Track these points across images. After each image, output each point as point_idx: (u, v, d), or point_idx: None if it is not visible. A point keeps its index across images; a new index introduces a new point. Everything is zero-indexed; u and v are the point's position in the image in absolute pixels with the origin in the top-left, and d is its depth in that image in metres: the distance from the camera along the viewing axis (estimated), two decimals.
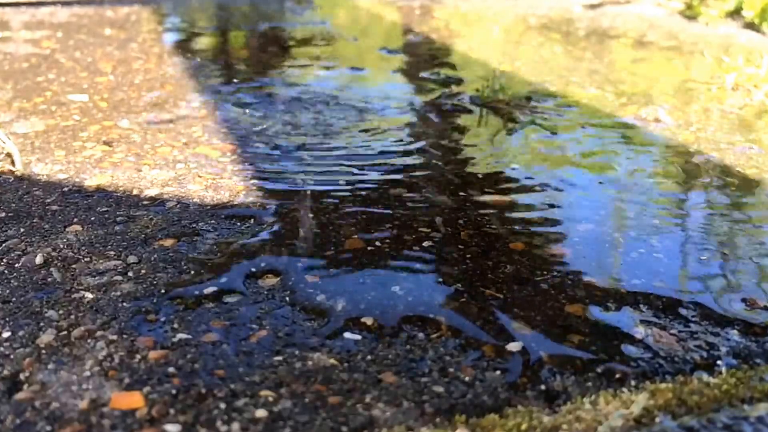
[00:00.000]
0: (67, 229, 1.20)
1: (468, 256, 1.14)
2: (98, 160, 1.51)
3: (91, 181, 1.40)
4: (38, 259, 1.09)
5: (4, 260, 1.09)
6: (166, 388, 0.81)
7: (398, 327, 0.94)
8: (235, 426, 0.75)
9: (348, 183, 1.42)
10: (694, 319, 0.98)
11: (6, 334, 0.90)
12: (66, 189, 1.36)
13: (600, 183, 1.47)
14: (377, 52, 2.79)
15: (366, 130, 1.77)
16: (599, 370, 0.86)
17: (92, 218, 1.24)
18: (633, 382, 0.84)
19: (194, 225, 1.22)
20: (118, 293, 1.00)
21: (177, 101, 1.97)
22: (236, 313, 0.96)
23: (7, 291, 1.01)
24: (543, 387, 0.83)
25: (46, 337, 0.90)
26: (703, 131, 1.82)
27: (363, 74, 2.37)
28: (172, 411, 0.77)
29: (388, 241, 1.18)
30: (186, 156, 1.55)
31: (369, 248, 1.15)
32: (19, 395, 0.79)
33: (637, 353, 0.90)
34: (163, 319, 0.94)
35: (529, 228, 1.26)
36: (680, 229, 1.27)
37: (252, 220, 1.25)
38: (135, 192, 1.36)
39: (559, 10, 3.83)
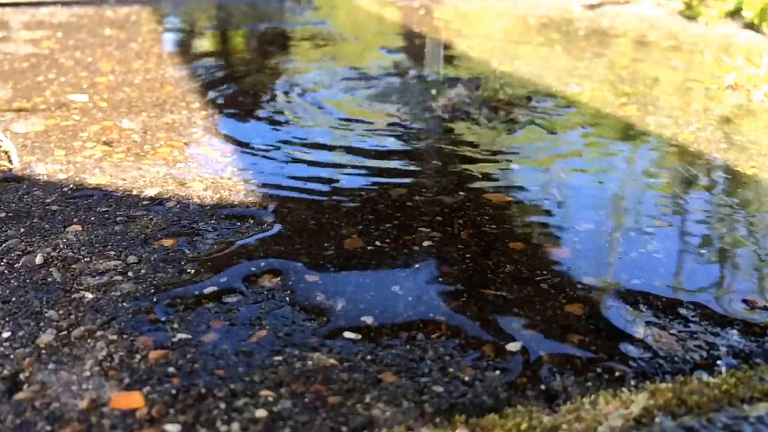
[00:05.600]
0: (67, 229, 1.20)
1: (468, 256, 1.14)
2: (98, 160, 1.51)
3: (91, 181, 1.40)
4: (38, 259, 1.09)
5: (4, 260, 1.09)
6: (166, 388, 0.81)
7: (398, 327, 0.94)
8: (235, 426, 0.75)
9: (347, 183, 1.42)
10: (694, 319, 0.98)
11: (6, 334, 0.90)
12: (66, 189, 1.36)
13: (600, 183, 1.47)
14: (377, 51, 2.79)
15: (365, 130, 1.76)
16: (599, 369, 0.86)
17: (92, 218, 1.24)
18: (633, 382, 0.84)
19: (194, 225, 1.22)
20: (118, 293, 1.00)
21: (177, 101, 1.97)
22: (236, 313, 0.96)
23: (7, 291, 1.01)
24: (543, 387, 0.83)
25: (46, 337, 0.90)
26: (703, 131, 1.82)
27: (363, 73, 2.36)
28: (172, 411, 0.77)
29: (388, 241, 1.18)
30: (186, 156, 1.55)
31: (369, 248, 1.15)
32: (19, 395, 0.79)
33: (637, 353, 0.90)
34: (163, 319, 0.94)
35: (529, 228, 1.26)
36: (680, 228, 1.27)
37: (252, 220, 1.25)
38: (135, 192, 1.36)
39: (558, 10, 3.83)
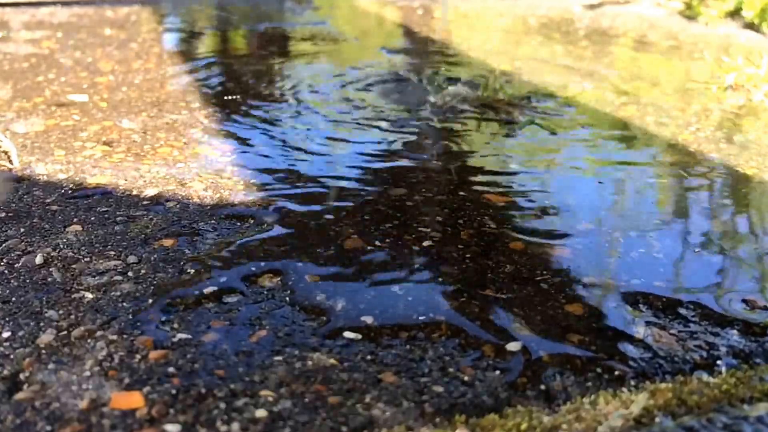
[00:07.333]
0: (67, 229, 1.20)
1: (468, 256, 1.14)
2: (98, 160, 1.51)
3: (91, 181, 1.40)
4: (38, 259, 1.09)
5: (4, 260, 1.09)
6: (166, 388, 0.81)
7: (398, 327, 0.94)
8: (235, 426, 0.75)
9: (347, 183, 1.42)
10: (694, 319, 0.98)
11: (6, 334, 0.90)
12: (66, 189, 1.36)
13: (600, 183, 1.47)
14: (377, 51, 2.79)
15: (366, 131, 1.77)
16: (599, 369, 0.86)
17: (92, 218, 1.24)
18: (633, 382, 0.84)
19: (194, 225, 1.22)
20: (118, 293, 1.00)
21: (177, 101, 1.97)
22: (236, 313, 0.96)
23: (7, 291, 1.01)
24: (543, 387, 0.83)
25: (46, 337, 0.90)
26: (702, 131, 1.82)
27: (363, 73, 2.36)
28: (172, 411, 0.77)
29: (388, 241, 1.18)
30: (186, 156, 1.55)
31: (369, 248, 1.15)
32: (19, 395, 0.79)
33: (637, 353, 0.90)
34: (163, 319, 0.94)
35: (529, 228, 1.26)
36: (680, 228, 1.27)
37: (252, 220, 1.25)
38: (135, 192, 1.36)
39: (558, 10, 3.83)
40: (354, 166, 1.51)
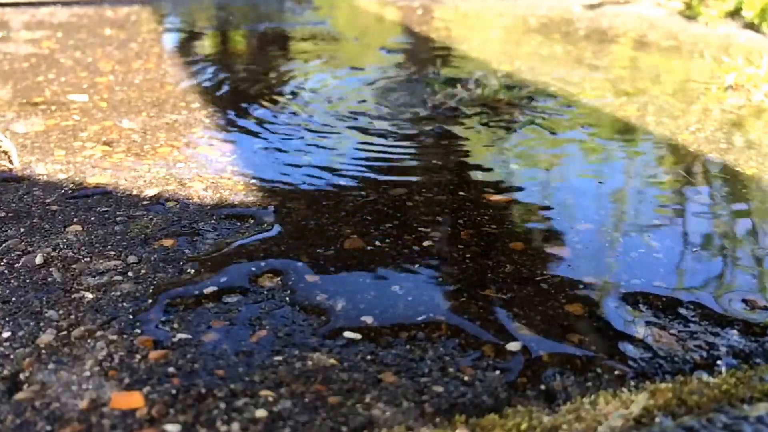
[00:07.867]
0: (67, 229, 1.20)
1: (468, 256, 1.14)
2: (98, 160, 1.51)
3: (91, 181, 1.40)
4: (38, 259, 1.09)
5: (4, 260, 1.09)
6: (166, 388, 0.81)
7: (398, 327, 0.94)
8: (235, 426, 0.75)
9: (347, 183, 1.42)
10: (694, 319, 0.98)
11: (6, 334, 0.90)
12: (66, 189, 1.36)
13: (600, 183, 1.47)
14: (377, 51, 2.79)
15: (366, 130, 1.77)
16: (599, 369, 0.86)
17: (92, 218, 1.24)
18: (633, 382, 0.84)
19: (194, 225, 1.22)
20: (118, 293, 1.00)
21: (177, 101, 1.97)
22: (236, 313, 0.96)
23: (7, 291, 1.01)
24: (543, 387, 0.83)
25: (46, 337, 0.90)
26: (702, 131, 1.82)
27: (363, 73, 2.36)
28: (172, 411, 0.77)
29: (388, 241, 1.18)
30: (186, 156, 1.55)
31: (369, 248, 1.15)
32: (19, 395, 0.79)
33: (637, 353, 0.90)
34: (163, 319, 0.94)
35: (529, 228, 1.26)
36: (680, 228, 1.27)
37: (252, 220, 1.25)
38: (135, 192, 1.36)
39: (558, 10, 3.83)
40: (354, 166, 1.51)
